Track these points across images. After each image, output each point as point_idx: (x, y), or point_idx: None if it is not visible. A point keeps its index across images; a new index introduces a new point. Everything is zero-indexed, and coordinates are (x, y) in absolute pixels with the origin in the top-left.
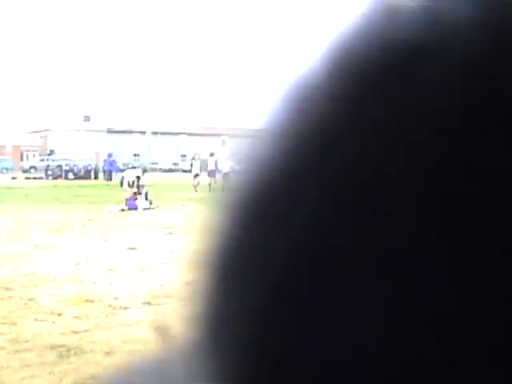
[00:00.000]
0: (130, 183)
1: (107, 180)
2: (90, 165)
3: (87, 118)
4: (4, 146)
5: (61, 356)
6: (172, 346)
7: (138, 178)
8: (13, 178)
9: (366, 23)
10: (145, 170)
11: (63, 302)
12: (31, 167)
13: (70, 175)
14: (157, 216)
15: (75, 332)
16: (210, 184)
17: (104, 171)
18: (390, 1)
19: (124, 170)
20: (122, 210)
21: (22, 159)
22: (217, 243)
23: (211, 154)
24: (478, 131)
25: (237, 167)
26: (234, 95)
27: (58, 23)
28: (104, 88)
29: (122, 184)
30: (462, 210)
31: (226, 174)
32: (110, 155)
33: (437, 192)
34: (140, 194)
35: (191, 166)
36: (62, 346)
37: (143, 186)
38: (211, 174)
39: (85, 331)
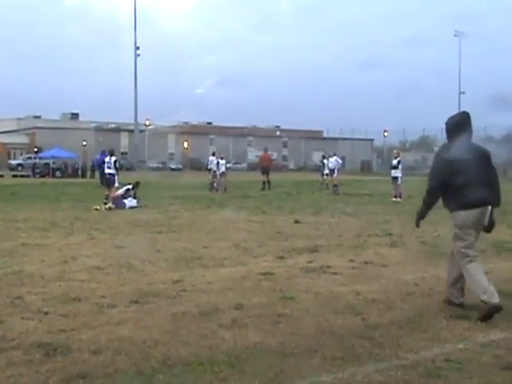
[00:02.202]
0: (119, 195)
1: (101, 184)
2: (77, 163)
3: (75, 116)
4: None
5: (47, 354)
6: None
7: (128, 190)
8: (0, 176)
9: None
10: (137, 184)
11: (50, 300)
12: (18, 165)
13: (58, 173)
14: (144, 215)
15: (62, 330)
16: (211, 183)
17: (93, 170)
18: None
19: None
20: (109, 208)
21: (9, 157)
22: None
23: (213, 154)
24: None
25: (230, 166)
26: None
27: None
28: (93, 85)
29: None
30: None
31: (223, 173)
32: (104, 153)
33: None
34: (129, 196)
35: (217, 164)
36: (48, 344)
37: (137, 186)
38: (215, 174)
39: (72, 330)
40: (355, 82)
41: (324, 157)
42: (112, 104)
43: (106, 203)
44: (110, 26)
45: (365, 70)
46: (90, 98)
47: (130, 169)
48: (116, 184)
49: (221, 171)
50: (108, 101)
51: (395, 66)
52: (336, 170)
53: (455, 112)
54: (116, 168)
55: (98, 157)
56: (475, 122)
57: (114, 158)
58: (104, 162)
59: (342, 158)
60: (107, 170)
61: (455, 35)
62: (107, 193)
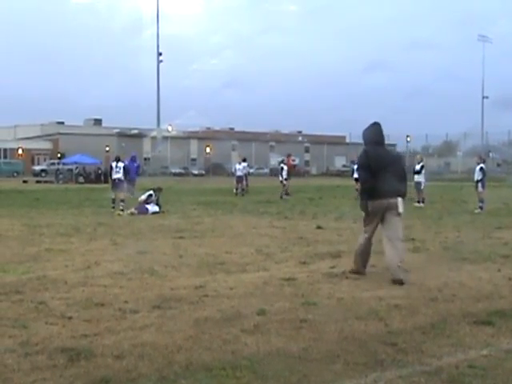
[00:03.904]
0: (142, 200)
1: (131, 193)
2: (100, 169)
3: (98, 122)
4: (15, 150)
5: (71, 359)
6: None
7: (151, 195)
8: (24, 182)
9: None
10: (159, 189)
11: (73, 305)
12: (42, 171)
13: (81, 179)
14: (166, 220)
15: (85, 335)
16: (236, 188)
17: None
18: None
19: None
20: (132, 213)
21: (32, 163)
22: None
23: (244, 160)
24: None
25: (250, 170)
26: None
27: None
28: (115, 91)
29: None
30: None
31: (239, 177)
32: (134, 159)
33: None
34: (152, 201)
35: (281, 170)
36: (72, 349)
37: (159, 191)
38: (239, 179)
39: (95, 335)
40: (366, 85)
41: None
42: (133, 109)
43: (122, 209)
44: (130, 30)
45: (374, 72)
46: (111, 103)
47: (152, 174)
48: (125, 189)
49: (284, 177)
50: (129, 105)
51: (407, 68)
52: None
53: (466, 116)
54: (124, 174)
55: (126, 162)
56: (498, 127)
57: (121, 164)
58: (138, 167)
59: None
60: (116, 176)
61: (478, 39)
62: (113, 197)
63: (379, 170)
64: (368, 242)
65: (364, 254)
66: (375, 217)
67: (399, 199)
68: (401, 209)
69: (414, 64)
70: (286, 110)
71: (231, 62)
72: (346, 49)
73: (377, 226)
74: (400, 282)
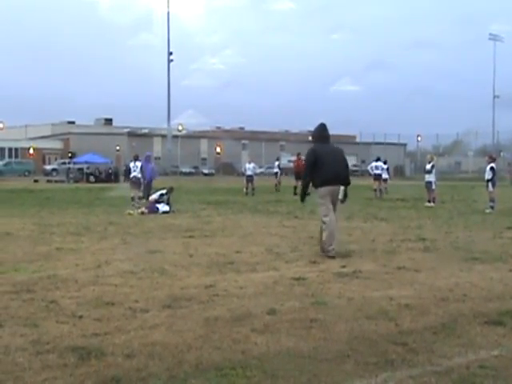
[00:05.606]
0: (153, 199)
1: (144, 196)
2: (110, 168)
3: (108, 121)
4: (26, 149)
5: (82, 358)
6: None
7: (162, 195)
8: (35, 181)
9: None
10: (171, 189)
11: (84, 304)
12: (53, 170)
13: (91, 178)
14: (177, 219)
15: (96, 334)
16: (246, 188)
17: (128, 175)
18: None
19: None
20: (143, 212)
21: (44, 162)
22: None
23: (277, 158)
24: None
25: (258, 170)
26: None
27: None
28: (125, 91)
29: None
30: None
31: (249, 176)
32: (148, 159)
33: None
34: (163, 201)
35: None
36: (82, 348)
37: (171, 191)
38: (249, 178)
39: (105, 334)
40: (373, 84)
41: (384, 161)
42: (142, 108)
43: (133, 205)
44: (136, 29)
45: (378, 71)
46: (120, 103)
47: (162, 174)
48: (141, 187)
49: None
50: (137, 105)
51: (416, 68)
52: (385, 175)
53: (467, 116)
54: (142, 173)
55: (142, 162)
56: (504, 127)
57: (138, 163)
58: (153, 169)
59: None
60: (134, 174)
61: (490, 38)
62: (132, 195)
63: (326, 163)
64: (334, 219)
65: (334, 233)
66: (326, 199)
67: (341, 187)
68: (340, 196)
69: (425, 63)
70: (296, 109)
71: (235, 60)
72: (354, 47)
73: (330, 205)
74: (332, 257)
